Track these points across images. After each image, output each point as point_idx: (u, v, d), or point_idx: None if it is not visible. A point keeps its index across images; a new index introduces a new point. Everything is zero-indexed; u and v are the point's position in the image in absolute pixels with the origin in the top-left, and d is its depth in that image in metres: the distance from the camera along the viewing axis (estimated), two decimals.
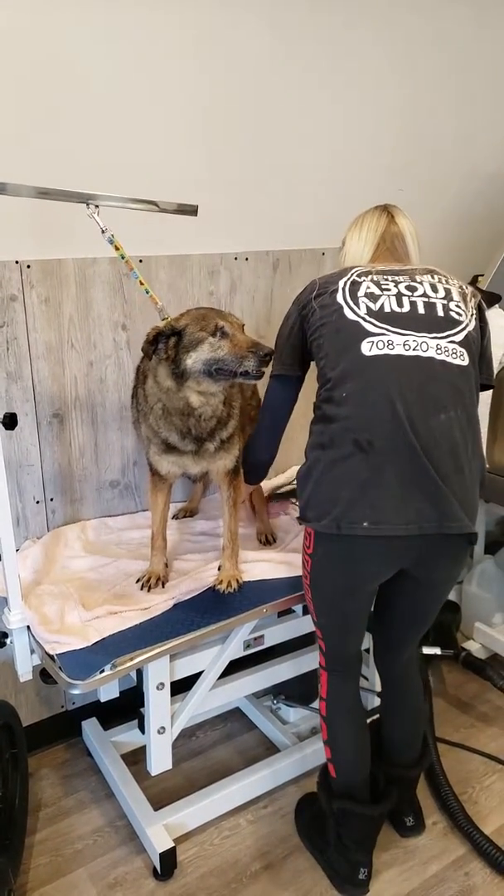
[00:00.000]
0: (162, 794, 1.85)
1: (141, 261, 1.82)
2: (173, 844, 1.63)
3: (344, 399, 1.32)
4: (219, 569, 1.70)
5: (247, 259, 2.07)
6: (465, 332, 1.37)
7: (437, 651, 2.11)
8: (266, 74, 1.98)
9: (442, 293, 1.40)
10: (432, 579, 1.44)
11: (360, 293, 1.38)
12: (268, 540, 1.90)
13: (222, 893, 1.60)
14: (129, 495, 2.04)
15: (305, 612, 1.84)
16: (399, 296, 1.37)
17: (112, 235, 1.51)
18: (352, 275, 1.43)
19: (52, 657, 1.43)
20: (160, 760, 1.66)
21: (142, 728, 1.66)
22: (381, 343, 1.31)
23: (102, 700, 1.82)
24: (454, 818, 1.75)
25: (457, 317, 1.37)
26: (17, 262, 1.69)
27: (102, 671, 1.36)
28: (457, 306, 1.39)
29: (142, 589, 1.64)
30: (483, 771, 1.95)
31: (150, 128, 1.82)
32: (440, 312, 1.36)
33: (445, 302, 1.38)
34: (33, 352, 1.77)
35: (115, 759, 1.88)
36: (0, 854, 1.52)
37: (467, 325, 1.38)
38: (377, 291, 1.38)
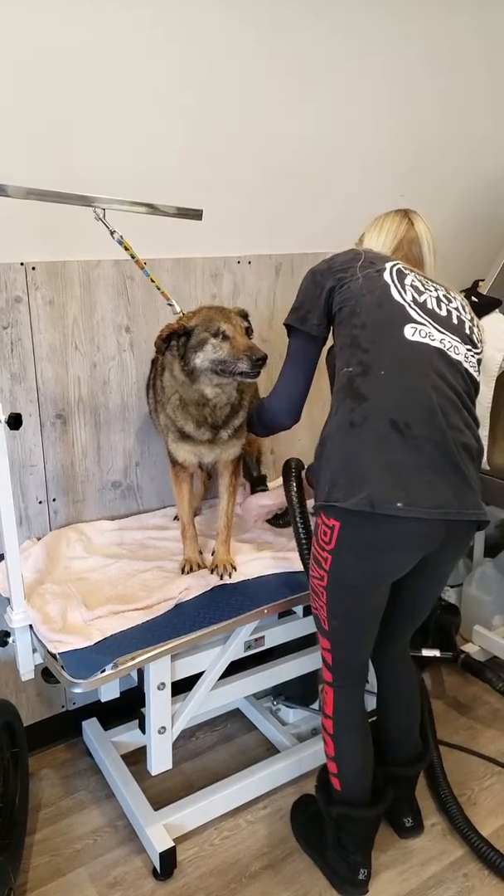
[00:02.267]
0: (162, 795, 1.85)
1: (145, 264, 1.83)
2: (173, 844, 1.64)
3: (382, 377, 1.31)
4: (212, 554, 1.74)
5: (249, 262, 2.08)
6: (481, 355, 1.47)
7: (436, 653, 2.12)
8: (269, 78, 1.99)
9: (468, 316, 1.48)
10: (441, 565, 1.47)
11: (407, 282, 1.41)
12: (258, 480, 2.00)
13: (222, 893, 1.61)
14: (132, 496, 2.05)
15: (306, 613, 1.85)
16: (438, 300, 1.43)
17: (121, 237, 1.53)
18: (397, 263, 1.45)
19: (54, 656, 1.43)
20: (160, 760, 1.66)
21: (142, 728, 1.67)
22: (423, 332, 1.35)
23: (103, 700, 1.82)
24: (453, 821, 1.76)
25: (477, 340, 1.47)
26: (22, 263, 1.71)
27: (104, 670, 1.37)
28: (478, 332, 1.48)
29: (183, 573, 1.71)
30: (482, 773, 1.96)
31: (154, 131, 1.83)
32: (467, 330, 1.44)
33: (471, 325, 1.47)
34: (37, 353, 1.78)
35: (115, 759, 1.88)
36: (0, 853, 1.52)
37: (482, 351, 1.47)
38: (421, 287, 1.42)
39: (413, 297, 1.39)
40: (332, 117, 2.16)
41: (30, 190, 1.42)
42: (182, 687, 1.69)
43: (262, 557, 1.79)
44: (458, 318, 1.44)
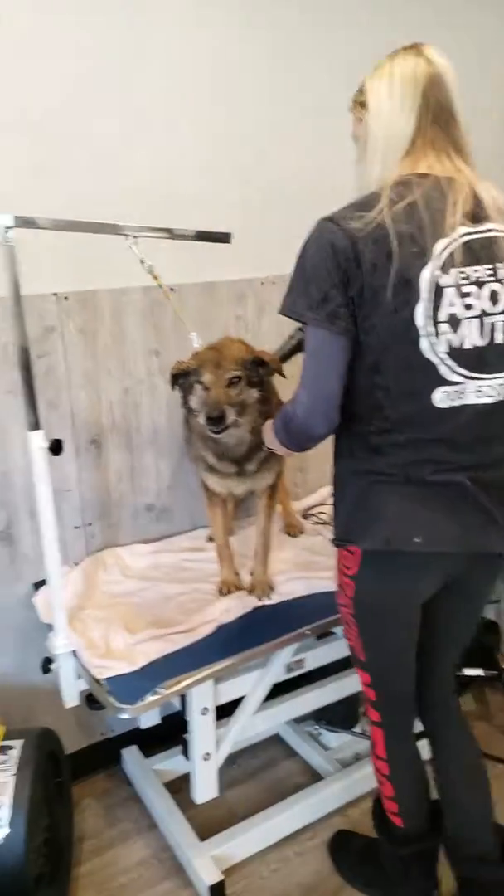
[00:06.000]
0: (206, 825, 1.81)
1: (173, 289, 1.86)
2: (222, 877, 1.60)
3: (403, 443, 1.19)
4: (250, 574, 1.74)
5: (273, 283, 2.10)
6: None
7: (479, 673, 2.07)
8: (287, 97, 2.03)
9: None
10: (470, 586, 1.38)
11: (442, 314, 1.13)
12: (295, 533, 2.04)
13: None
14: (165, 519, 2.05)
15: None
16: (482, 318, 1.15)
17: (151, 265, 1.55)
18: (435, 263, 1.12)
19: (98, 682, 1.42)
20: (206, 788, 1.64)
21: (186, 754, 1.65)
22: (454, 394, 1.16)
23: (143, 727, 1.81)
24: None
25: None
26: (54, 294, 1.74)
27: (153, 694, 1.35)
28: None
29: (221, 595, 1.71)
30: None
31: (172, 156, 1.86)
32: None
33: None
34: (71, 380, 1.81)
35: (157, 788, 1.85)
36: (49, 886, 1.50)
37: None
38: (459, 311, 1.13)
39: (448, 343, 1.14)
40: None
41: (58, 221, 1.44)
42: (221, 713, 1.66)
43: (301, 577, 1.77)
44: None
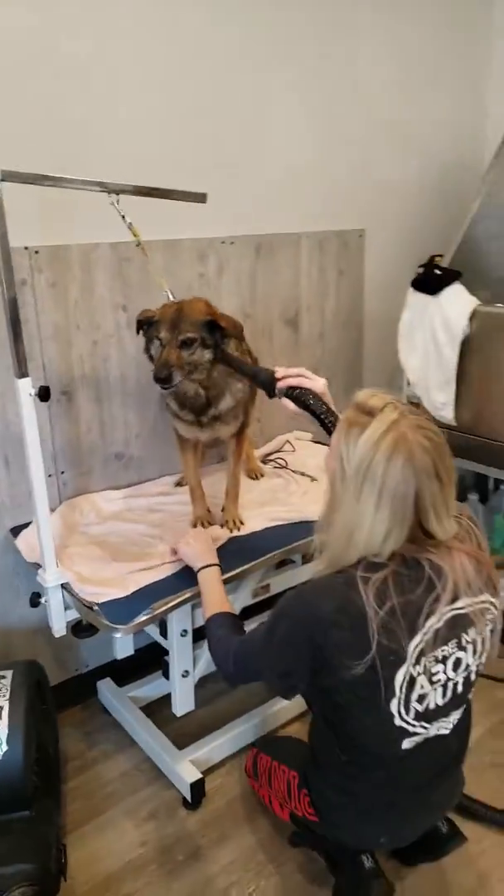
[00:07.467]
0: (181, 738, 1.98)
1: (139, 244, 1.94)
2: (202, 776, 1.80)
3: (376, 780, 1.33)
4: (222, 511, 1.90)
5: (232, 243, 2.22)
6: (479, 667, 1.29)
7: None
8: (249, 64, 2.12)
9: (478, 646, 1.25)
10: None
11: (414, 696, 1.19)
12: (257, 476, 2.22)
13: (251, 816, 1.78)
14: (133, 466, 2.17)
15: (304, 561, 2.03)
16: (446, 683, 1.23)
17: (131, 223, 1.63)
18: (408, 663, 1.16)
19: (91, 608, 1.56)
20: (184, 702, 1.82)
21: (166, 675, 1.82)
22: (418, 737, 1.25)
23: (119, 657, 1.96)
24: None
25: (476, 669, 1.28)
26: (26, 248, 1.79)
27: (147, 613, 1.51)
28: (480, 656, 1.27)
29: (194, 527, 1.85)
30: None
31: (142, 118, 1.93)
32: (470, 680, 1.28)
33: (477, 660, 1.27)
34: (42, 333, 1.88)
35: (133, 711, 2.02)
36: (46, 796, 1.64)
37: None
38: (427, 688, 1.20)
39: (415, 712, 1.21)
40: (300, 102, 2.31)
41: (45, 176, 1.49)
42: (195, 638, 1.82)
43: (263, 514, 1.95)
44: (464, 681, 1.25)
